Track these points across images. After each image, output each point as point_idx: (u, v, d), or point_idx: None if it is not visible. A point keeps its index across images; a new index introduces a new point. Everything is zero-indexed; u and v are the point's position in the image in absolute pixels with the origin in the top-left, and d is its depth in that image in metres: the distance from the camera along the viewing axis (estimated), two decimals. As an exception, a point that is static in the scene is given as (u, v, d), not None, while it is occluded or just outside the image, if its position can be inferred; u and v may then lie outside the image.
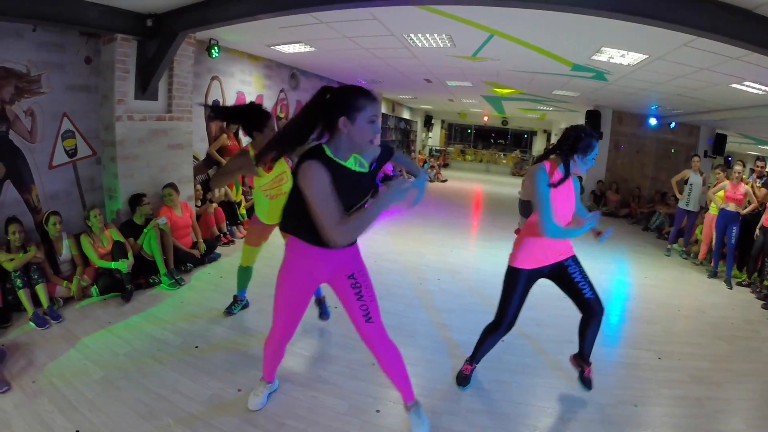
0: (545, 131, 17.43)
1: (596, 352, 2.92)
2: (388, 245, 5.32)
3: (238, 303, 3.37)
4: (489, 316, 3.31)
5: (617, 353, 3.11)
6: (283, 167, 2.85)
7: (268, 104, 6.77)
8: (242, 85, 6.07)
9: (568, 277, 2.35)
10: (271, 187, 2.88)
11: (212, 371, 2.52)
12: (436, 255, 5.10)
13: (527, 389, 2.60)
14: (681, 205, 5.90)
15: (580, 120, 9.61)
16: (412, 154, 14.03)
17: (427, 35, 4.39)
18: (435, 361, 2.81)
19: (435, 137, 19.42)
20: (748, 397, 2.71)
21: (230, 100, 5.82)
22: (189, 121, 4.52)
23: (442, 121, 19.51)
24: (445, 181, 12.77)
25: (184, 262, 3.98)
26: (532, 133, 18.83)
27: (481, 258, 5.19)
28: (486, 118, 16.99)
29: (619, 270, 5.25)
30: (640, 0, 2.48)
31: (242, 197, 5.65)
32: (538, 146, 18.06)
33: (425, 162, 13.73)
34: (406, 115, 15.54)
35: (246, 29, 4.26)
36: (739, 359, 3.16)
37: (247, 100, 6.17)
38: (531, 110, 12.27)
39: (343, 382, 2.53)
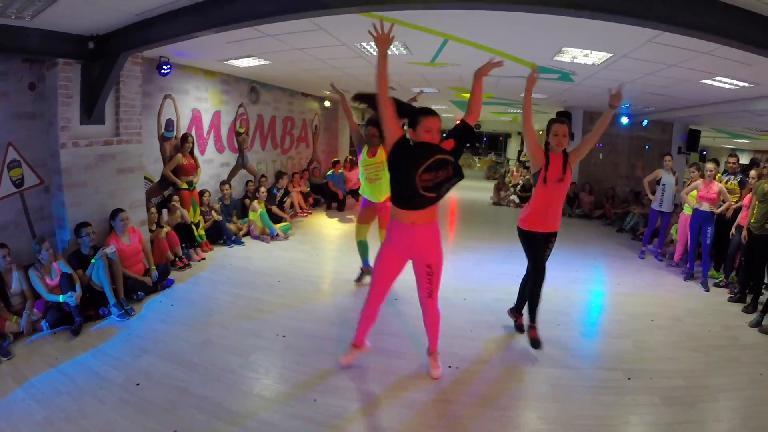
0: (519, 133, 17.36)
1: (558, 376, 2.87)
2: (345, 264, 4.95)
3: (365, 272, 4.19)
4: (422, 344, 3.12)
5: (582, 375, 2.89)
6: (382, 156, 3.46)
7: (226, 120, 6.60)
8: (198, 102, 5.89)
9: (545, 245, 3.15)
10: (372, 171, 3.77)
11: (150, 411, 2.42)
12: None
13: (481, 423, 2.38)
14: (654, 206, 5.80)
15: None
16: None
17: (380, 43, 4.28)
18: (358, 389, 2.68)
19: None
20: (725, 417, 2.53)
21: (185, 119, 5.66)
22: (138, 143, 4.39)
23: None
24: None
25: (135, 291, 3.83)
26: (507, 136, 18.72)
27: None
28: (459, 123, 16.86)
29: (591, 278, 5.06)
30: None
31: (200, 218, 5.47)
32: (513, 149, 17.78)
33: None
34: (376, 122, 15.19)
35: (194, 46, 4.15)
36: (717, 373, 2.96)
37: (204, 117, 6.04)
38: (503, 113, 12.20)
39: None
